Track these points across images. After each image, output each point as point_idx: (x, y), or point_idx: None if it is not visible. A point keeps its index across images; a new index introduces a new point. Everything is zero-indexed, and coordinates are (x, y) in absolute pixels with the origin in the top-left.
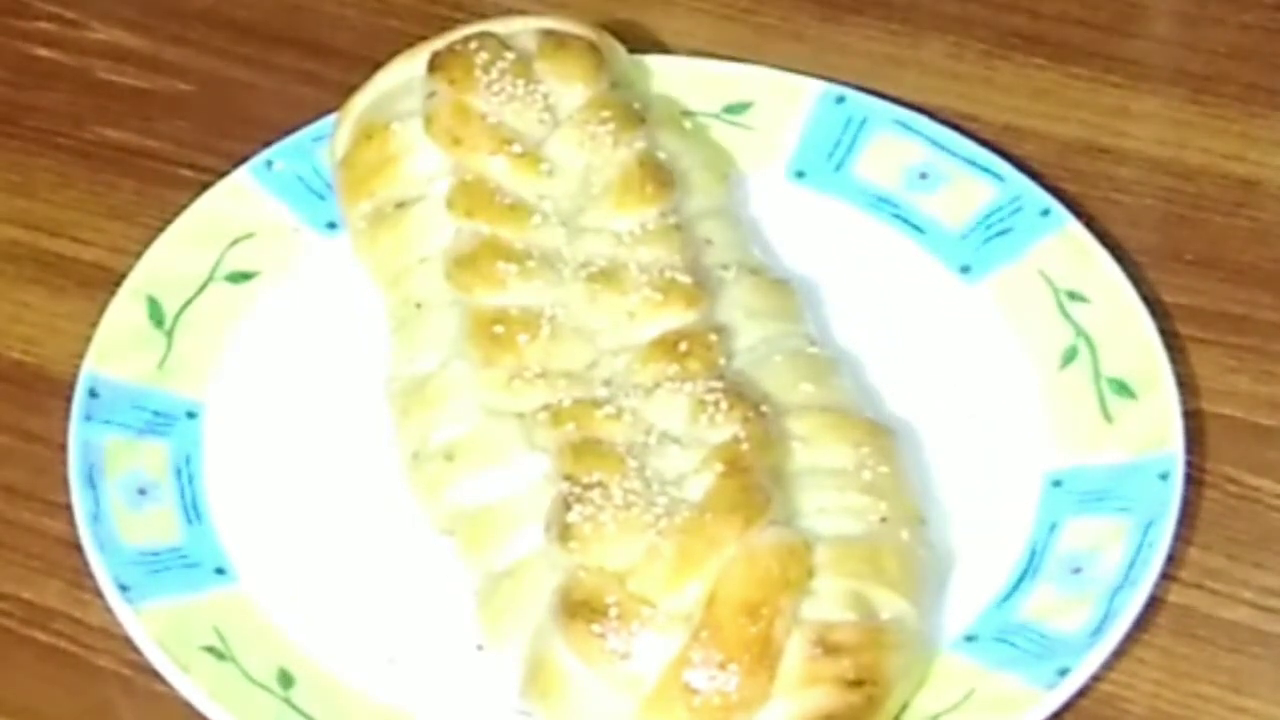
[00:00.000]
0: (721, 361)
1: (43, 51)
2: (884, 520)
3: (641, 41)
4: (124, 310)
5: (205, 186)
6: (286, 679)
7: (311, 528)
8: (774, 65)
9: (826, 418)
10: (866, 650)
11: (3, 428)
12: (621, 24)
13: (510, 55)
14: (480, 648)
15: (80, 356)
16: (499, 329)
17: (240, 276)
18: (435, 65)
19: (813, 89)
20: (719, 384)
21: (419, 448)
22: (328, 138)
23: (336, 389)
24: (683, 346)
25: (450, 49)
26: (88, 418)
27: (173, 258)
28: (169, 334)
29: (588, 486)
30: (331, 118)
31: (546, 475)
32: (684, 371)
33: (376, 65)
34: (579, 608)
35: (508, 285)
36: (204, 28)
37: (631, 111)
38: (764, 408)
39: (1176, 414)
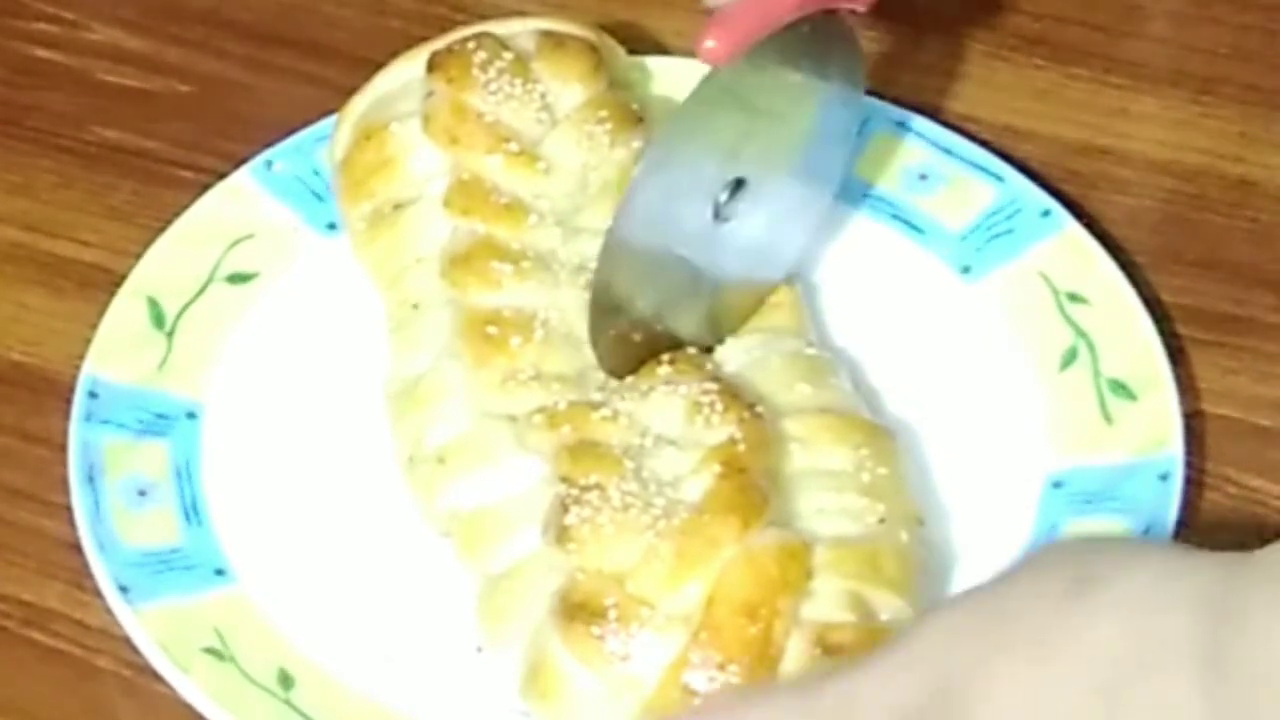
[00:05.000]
0: (709, 366)
1: (42, 52)
2: (882, 521)
3: (641, 42)
4: (124, 311)
5: (205, 187)
6: (286, 680)
7: (311, 529)
8: None
9: (825, 419)
10: (865, 651)
11: (3, 428)
12: (621, 25)
13: (508, 55)
14: (480, 649)
15: (80, 357)
16: (492, 329)
17: (240, 277)
18: (433, 65)
19: None
20: (714, 385)
21: (414, 450)
22: (328, 139)
23: (337, 390)
24: (666, 358)
25: (448, 49)
26: (88, 418)
27: (173, 259)
28: (169, 335)
29: (585, 489)
30: (332, 118)
31: (544, 477)
32: (677, 373)
33: (376, 66)
34: (578, 610)
35: (502, 285)
36: (204, 29)
37: (629, 111)
38: (759, 408)
39: (1177, 415)
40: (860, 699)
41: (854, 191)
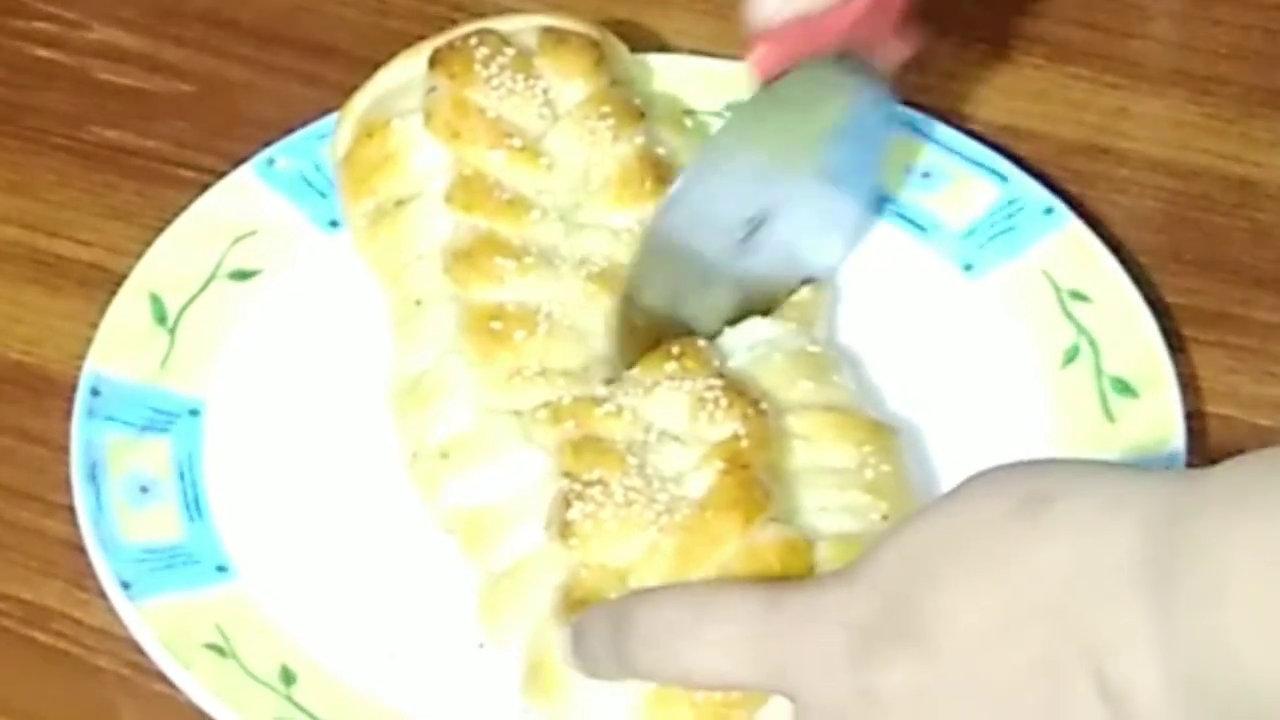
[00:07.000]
0: (715, 362)
1: (42, 51)
2: (885, 518)
3: (642, 41)
4: (127, 308)
5: (205, 187)
6: (288, 676)
7: (313, 525)
8: None
9: (828, 416)
10: None
11: (3, 428)
12: (622, 23)
13: (510, 51)
14: (482, 646)
15: (80, 357)
16: (496, 325)
17: (243, 274)
18: (435, 60)
19: None
20: (718, 381)
21: (417, 447)
22: (330, 136)
23: (339, 387)
24: (675, 350)
25: (450, 44)
26: (90, 415)
27: (175, 255)
28: (171, 331)
29: (588, 484)
30: (334, 116)
31: (546, 473)
32: (682, 369)
33: (377, 65)
34: (580, 605)
35: (505, 281)
36: (203, 28)
37: (631, 107)
38: (763, 404)
39: (1178, 414)
40: (817, 612)
41: None
